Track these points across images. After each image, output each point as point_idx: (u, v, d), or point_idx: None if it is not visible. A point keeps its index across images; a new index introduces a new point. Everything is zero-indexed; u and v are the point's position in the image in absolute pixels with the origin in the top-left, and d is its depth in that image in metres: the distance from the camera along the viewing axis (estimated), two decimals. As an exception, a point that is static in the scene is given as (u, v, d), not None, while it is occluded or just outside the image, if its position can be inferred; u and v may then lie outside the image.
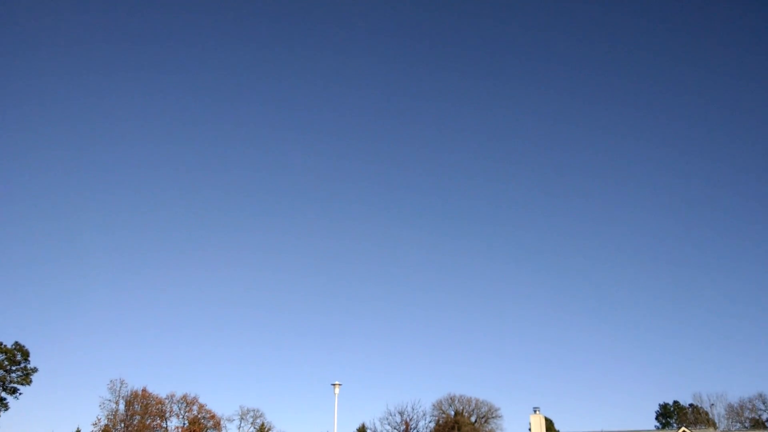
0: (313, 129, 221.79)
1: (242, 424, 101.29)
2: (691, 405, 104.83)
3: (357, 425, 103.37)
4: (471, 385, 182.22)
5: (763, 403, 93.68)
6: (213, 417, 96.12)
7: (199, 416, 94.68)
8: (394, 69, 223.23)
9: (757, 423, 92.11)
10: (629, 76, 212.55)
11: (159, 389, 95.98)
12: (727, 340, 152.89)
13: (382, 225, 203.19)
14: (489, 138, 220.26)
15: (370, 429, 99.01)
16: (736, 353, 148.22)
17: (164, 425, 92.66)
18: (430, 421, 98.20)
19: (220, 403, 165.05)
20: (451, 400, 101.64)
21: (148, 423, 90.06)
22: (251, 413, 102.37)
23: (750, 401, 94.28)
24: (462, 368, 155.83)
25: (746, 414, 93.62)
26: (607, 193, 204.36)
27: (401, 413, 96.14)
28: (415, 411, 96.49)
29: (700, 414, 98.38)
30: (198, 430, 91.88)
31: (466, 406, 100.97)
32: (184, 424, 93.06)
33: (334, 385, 59.72)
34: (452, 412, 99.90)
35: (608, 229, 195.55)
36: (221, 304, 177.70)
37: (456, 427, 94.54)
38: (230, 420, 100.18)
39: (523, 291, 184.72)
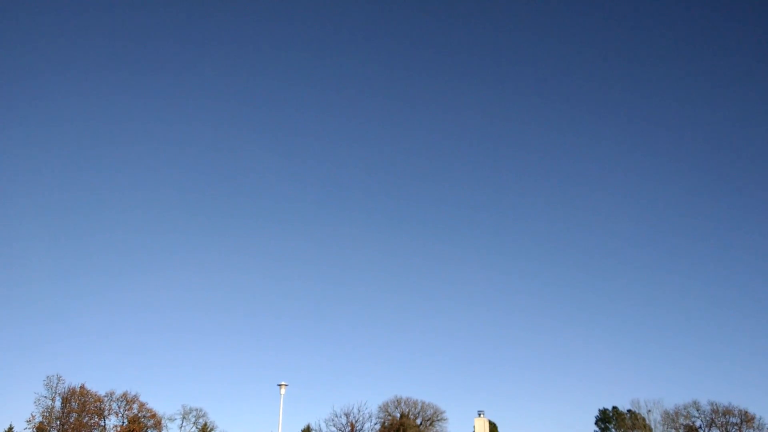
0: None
1: (184, 424, 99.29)
2: (629, 411, 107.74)
3: (302, 426, 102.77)
4: (417, 387, 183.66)
5: (697, 411, 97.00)
6: (154, 416, 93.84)
7: (140, 415, 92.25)
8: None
9: (690, 429, 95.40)
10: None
11: (98, 387, 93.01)
12: (666, 349, 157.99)
13: (332, 225, 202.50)
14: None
15: (315, 430, 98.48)
16: (674, 361, 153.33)
17: (102, 424, 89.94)
18: (375, 423, 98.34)
19: (162, 401, 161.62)
20: (398, 402, 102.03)
21: (85, 421, 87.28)
22: (194, 413, 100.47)
23: (685, 408, 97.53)
24: (409, 371, 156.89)
25: (681, 420, 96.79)
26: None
27: (347, 415, 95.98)
28: (361, 413, 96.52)
29: (637, 420, 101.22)
30: (138, 429, 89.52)
31: (412, 409, 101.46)
32: (123, 422, 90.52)
33: (280, 385, 59.18)
34: (398, 415, 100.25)
35: (559, 236, 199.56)
36: (165, 302, 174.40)
37: (401, 430, 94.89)
38: (172, 419, 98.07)
39: (469, 296, 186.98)
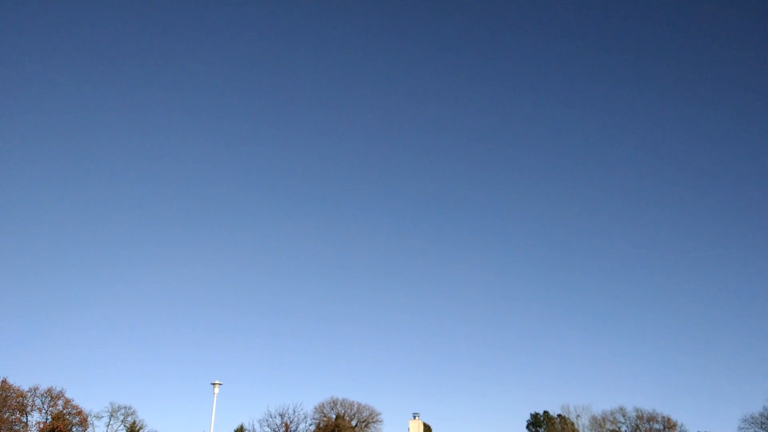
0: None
1: (112, 422, 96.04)
2: (559, 415, 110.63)
3: (235, 426, 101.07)
4: (354, 389, 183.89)
5: (623, 416, 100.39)
6: (80, 413, 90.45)
7: (65, 412, 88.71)
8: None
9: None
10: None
11: (21, 381, 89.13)
12: (596, 356, 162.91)
13: (267, 220, 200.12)
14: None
15: (249, 430, 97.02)
16: (603, 368, 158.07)
17: (24, 420, 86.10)
18: (310, 424, 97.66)
19: (89, 398, 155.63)
20: (334, 403, 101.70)
21: (6, 417, 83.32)
22: (122, 410, 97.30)
23: (612, 414, 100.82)
24: (346, 372, 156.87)
25: (608, 426, 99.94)
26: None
27: (282, 415, 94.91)
28: (297, 413, 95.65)
29: (566, 424, 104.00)
30: (62, 426, 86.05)
31: (348, 410, 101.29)
32: (47, 419, 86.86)
33: (213, 384, 58.09)
34: (333, 416, 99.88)
35: (499, 243, 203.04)
36: (95, 295, 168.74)
37: (336, 431, 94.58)
38: (99, 417, 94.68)
39: (405, 299, 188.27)
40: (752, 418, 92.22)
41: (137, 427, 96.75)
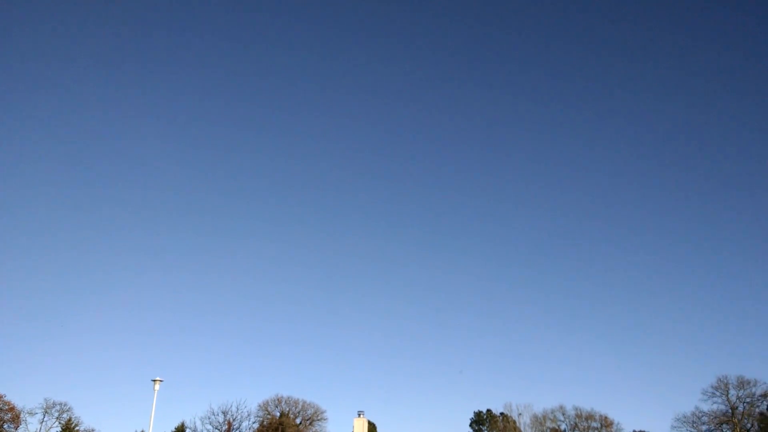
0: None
1: (46, 419, 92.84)
2: (502, 414, 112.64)
3: (176, 424, 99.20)
4: (299, 386, 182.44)
5: (563, 415, 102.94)
6: (12, 409, 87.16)
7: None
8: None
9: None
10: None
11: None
12: (538, 355, 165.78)
13: (200, 219, 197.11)
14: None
15: (190, 428, 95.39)
16: (545, 368, 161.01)
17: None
18: (254, 422, 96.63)
19: (22, 394, 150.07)
20: (278, 401, 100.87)
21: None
22: (57, 407, 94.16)
23: (552, 412, 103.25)
24: (292, 370, 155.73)
25: (548, 424, 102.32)
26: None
27: (225, 413, 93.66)
28: (240, 411, 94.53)
29: (509, 422, 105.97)
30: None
31: (293, 408, 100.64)
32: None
33: (154, 381, 56.74)
34: (278, 413, 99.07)
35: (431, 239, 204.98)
36: (30, 290, 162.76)
37: (280, 429, 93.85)
38: (32, 413, 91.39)
39: (351, 297, 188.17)
40: (684, 417, 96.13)
41: (73, 425, 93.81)
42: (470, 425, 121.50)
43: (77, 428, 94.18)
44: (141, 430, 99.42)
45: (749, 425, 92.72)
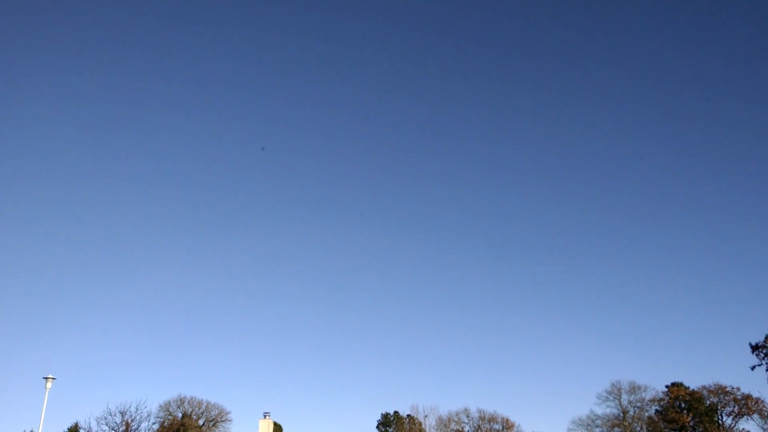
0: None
1: None
2: (408, 415, 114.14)
3: (69, 424, 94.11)
4: (204, 387, 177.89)
5: (467, 417, 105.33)
6: None
7: None
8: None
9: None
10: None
11: None
12: (444, 358, 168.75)
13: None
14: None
15: (84, 429, 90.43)
16: (451, 370, 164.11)
17: None
18: (154, 423, 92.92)
19: None
20: (181, 401, 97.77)
21: None
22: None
23: (457, 414, 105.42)
24: (196, 370, 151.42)
25: (452, 426, 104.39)
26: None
27: (123, 413, 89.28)
28: (140, 411, 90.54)
29: (415, 424, 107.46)
30: None
31: (196, 409, 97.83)
32: None
33: (46, 378, 53.67)
34: (180, 414, 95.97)
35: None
36: None
37: (182, 430, 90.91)
38: None
39: (257, 298, 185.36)
40: (580, 420, 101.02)
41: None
42: (377, 427, 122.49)
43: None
44: (30, 430, 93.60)
45: (638, 428, 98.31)
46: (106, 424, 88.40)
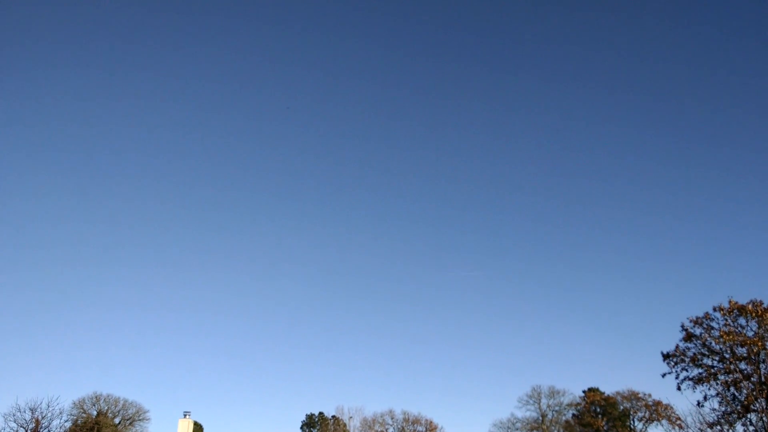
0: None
1: None
2: (333, 416, 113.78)
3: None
4: (122, 384, 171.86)
5: (392, 418, 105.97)
6: None
7: None
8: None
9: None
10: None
11: None
12: (370, 359, 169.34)
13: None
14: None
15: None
16: (376, 372, 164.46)
17: None
18: (66, 421, 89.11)
19: None
20: (96, 398, 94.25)
21: None
22: None
23: (381, 416, 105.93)
24: (113, 366, 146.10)
25: (377, 427, 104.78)
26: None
27: (33, 410, 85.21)
28: (51, 408, 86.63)
29: (339, 425, 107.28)
30: None
31: (112, 407, 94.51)
32: None
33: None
34: (95, 412, 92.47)
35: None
36: None
37: (96, 429, 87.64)
38: None
39: (179, 294, 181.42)
40: (501, 422, 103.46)
41: None
42: (301, 427, 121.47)
43: None
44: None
45: (556, 431, 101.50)
46: (15, 421, 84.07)
